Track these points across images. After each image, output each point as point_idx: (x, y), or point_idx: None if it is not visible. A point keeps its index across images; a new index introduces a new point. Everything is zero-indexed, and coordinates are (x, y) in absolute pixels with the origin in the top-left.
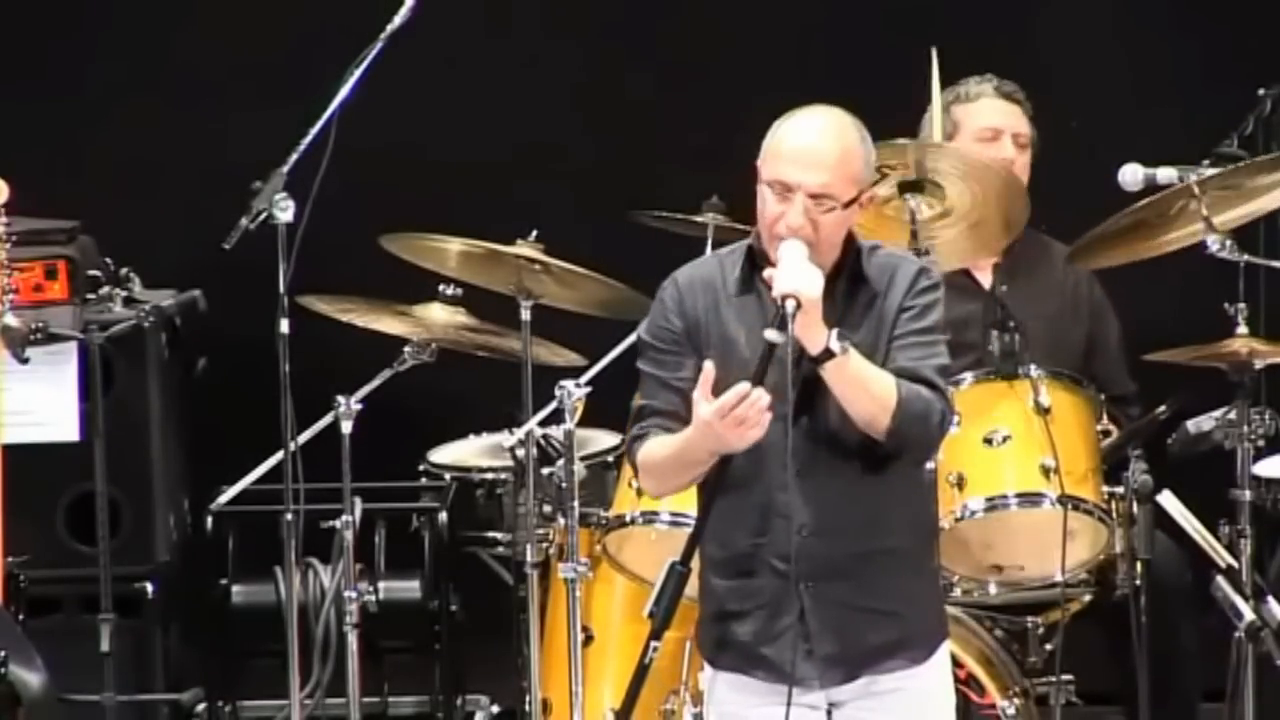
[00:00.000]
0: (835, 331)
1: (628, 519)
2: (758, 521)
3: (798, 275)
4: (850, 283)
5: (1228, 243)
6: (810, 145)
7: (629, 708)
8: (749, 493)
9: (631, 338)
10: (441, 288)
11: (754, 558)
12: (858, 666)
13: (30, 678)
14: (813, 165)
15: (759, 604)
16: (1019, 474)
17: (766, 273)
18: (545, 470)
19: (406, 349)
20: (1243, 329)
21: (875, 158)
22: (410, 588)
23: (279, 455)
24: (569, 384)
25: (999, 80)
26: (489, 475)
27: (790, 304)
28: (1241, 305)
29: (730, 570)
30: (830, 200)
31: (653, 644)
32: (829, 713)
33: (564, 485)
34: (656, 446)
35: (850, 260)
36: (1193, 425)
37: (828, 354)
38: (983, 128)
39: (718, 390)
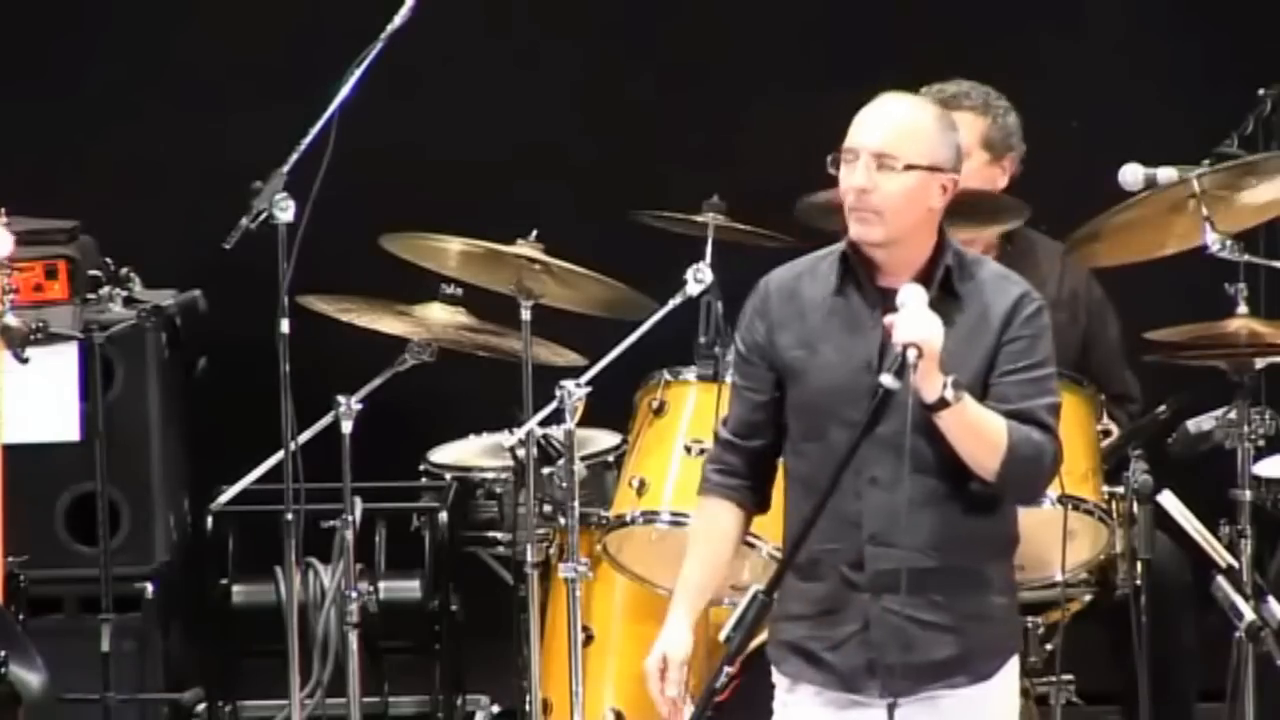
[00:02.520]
0: (951, 379)
1: (628, 519)
2: (830, 527)
3: (921, 324)
4: (940, 292)
5: (1228, 243)
6: (874, 110)
7: None
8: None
9: (632, 338)
10: (441, 288)
11: (823, 564)
12: (919, 680)
13: (30, 678)
14: (873, 126)
15: (824, 609)
16: None
17: (887, 319)
18: (545, 470)
19: (406, 349)
20: (1243, 308)
21: (960, 152)
22: (410, 588)
23: (279, 455)
24: (569, 384)
25: (938, 87)
26: (489, 475)
27: (912, 353)
28: (1241, 285)
29: (801, 573)
30: (890, 159)
31: (725, 669)
32: (890, 710)
33: (564, 485)
34: (694, 528)
35: (939, 269)
36: (1193, 425)
37: (942, 403)
38: None
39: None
